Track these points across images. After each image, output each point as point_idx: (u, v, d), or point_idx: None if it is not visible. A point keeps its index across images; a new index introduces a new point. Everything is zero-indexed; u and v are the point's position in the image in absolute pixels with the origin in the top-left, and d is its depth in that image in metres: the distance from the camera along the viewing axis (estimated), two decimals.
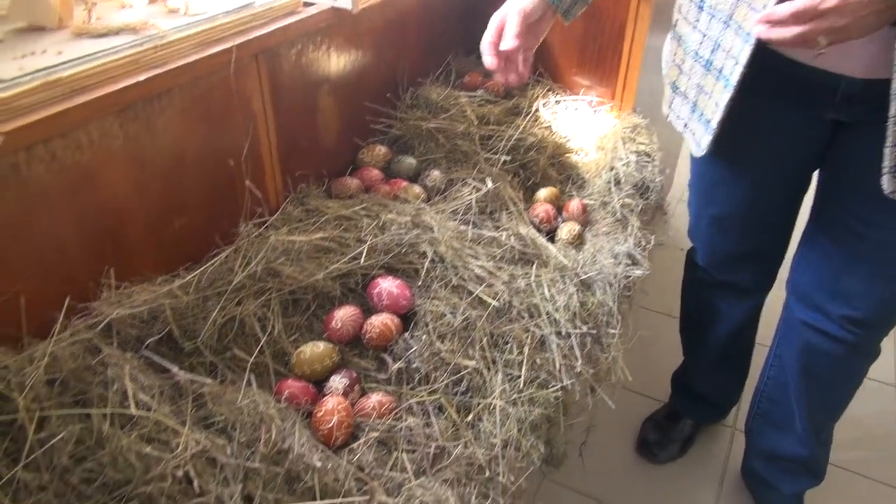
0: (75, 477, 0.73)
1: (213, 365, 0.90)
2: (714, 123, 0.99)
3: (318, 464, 0.81)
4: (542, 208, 1.32)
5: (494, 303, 1.02)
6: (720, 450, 1.66)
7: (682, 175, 1.88)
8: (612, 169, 1.43)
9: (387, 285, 1.04)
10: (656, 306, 1.98)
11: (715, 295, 1.38)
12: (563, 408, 1.05)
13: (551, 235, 1.30)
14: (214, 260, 0.95)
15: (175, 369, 0.81)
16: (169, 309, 0.86)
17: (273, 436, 0.81)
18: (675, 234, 1.98)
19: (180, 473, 0.76)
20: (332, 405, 0.89)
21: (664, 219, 1.52)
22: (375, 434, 0.89)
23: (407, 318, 1.06)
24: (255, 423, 0.82)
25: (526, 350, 1.02)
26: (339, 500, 0.78)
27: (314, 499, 0.79)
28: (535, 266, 1.15)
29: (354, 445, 0.88)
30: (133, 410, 0.75)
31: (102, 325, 0.80)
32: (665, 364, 1.68)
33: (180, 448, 0.77)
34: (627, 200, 1.37)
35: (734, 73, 0.93)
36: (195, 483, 0.76)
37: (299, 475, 0.80)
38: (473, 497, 0.85)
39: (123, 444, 0.75)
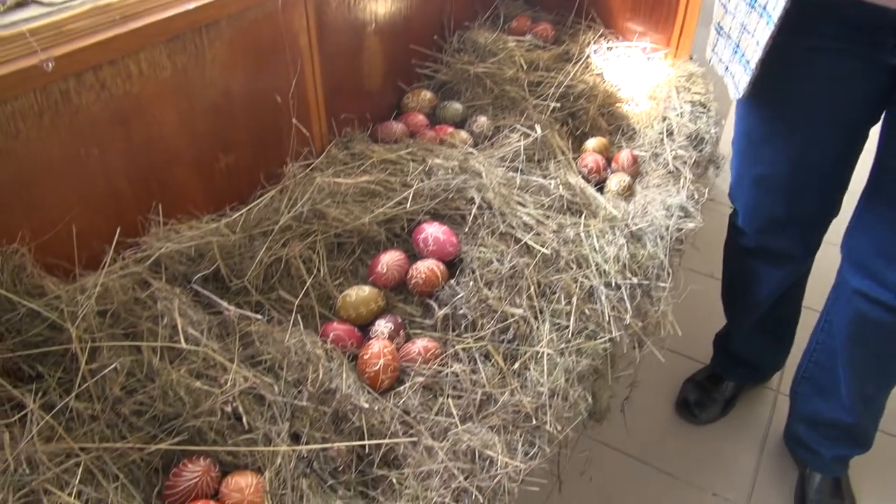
0: (126, 408, 0.73)
1: (259, 305, 0.90)
2: (753, 64, 0.93)
3: (366, 405, 0.81)
4: (591, 158, 1.27)
5: (544, 250, 0.99)
6: (762, 413, 1.63)
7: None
8: (664, 119, 1.37)
9: (433, 231, 1.02)
10: (702, 266, 1.92)
11: (754, 261, 1.32)
12: (611, 360, 1.03)
13: (600, 186, 1.26)
14: (261, 199, 0.93)
15: (224, 304, 0.81)
16: (216, 247, 0.85)
17: (320, 375, 0.80)
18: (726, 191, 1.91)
19: (229, 409, 0.76)
20: (378, 349, 0.88)
21: (716, 172, 1.45)
22: (421, 379, 0.88)
23: (452, 264, 1.03)
24: (303, 363, 0.81)
25: (574, 300, 0.99)
26: (387, 440, 0.78)
27: (361, 439, 0.79)
28: (583, 216, 1.12)
29: (400, 389, 0.87)
30: (183, 344, 0.75)
31: (151, 259, 0.79)
32: (708, 325, 1.64)
33: (229, 384, 0.77)
34: (680, 152, 1.31)
35: (777, 7, 0.87)
36: (244, 419, 0.76)
37: (346, 415, 0.79)
38: (520, 444, 0.84)
39: (173, 377, 0.75)
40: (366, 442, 0.77)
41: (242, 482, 0.74)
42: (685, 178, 1.27)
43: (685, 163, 1.30)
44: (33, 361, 0.72)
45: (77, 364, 0.73)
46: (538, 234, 1.04)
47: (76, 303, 0.71)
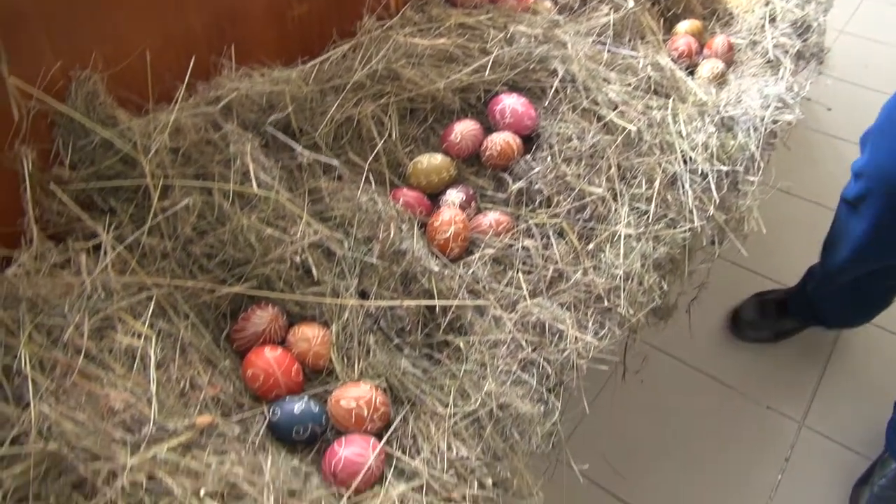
0: (197, 248, 0.72)
1: (329, 164, 0.86)
2: None
3: (436, 268, 0.78)
4: (682, 41, 1.17)
5: (631, 126, 0.92)
6: (828, 334, 1.56)
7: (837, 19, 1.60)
8: (767, 4, 1.24)
9: (511, 102, 0.96)
10: (796, 189, 1.81)
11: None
12: (688, 252, 0.97)
13: (690, 72, 1.16)
14: (334, 52, 0.88)
15: (299, 148, 0.78)
16: (288, 96, 0.81)
17: (391, 234, 0.77)
18: (826, 91, 1.77)
19: (298, 259, 0.75)
20: (449, 216, 0.85)
21: (819, 68, 1.33)
22: (491, 251, 0.85)
23: (529, 139, 0.98)
24: (373, 221, 0.78)
25: (656, 185, 0.93)
26: (458, 301, 0.75)
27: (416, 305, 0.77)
28: (672, 100, 1.03)
29: (469, 260, 0.84)
30: (255, 189, 0.72)
31: (223, 102, 0.76)
32: (791, 250, 1.54)
33: (299, 234, 0.75)
34: (782, 40, 1.19)
35: None
36: (313, 271, 0.75)
37: (415, 277, 0.77)
38: (590, 323, 0.81)
39: (244, 223, 0.73)
40: (435, 302, 0.74)
41: (310, 332, 0.74)
42: (785, 68, 1.16)
43: (787, 52, 1.19)
44: (106, 195, 0.71)
45: (149, 201, 0.71)
46: (622, 113, 0.97)
47: (149, 136, 0.69)
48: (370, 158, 0.88)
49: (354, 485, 0.62)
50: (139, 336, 0.64)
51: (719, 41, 1.19)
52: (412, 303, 0.74)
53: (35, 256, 0.63)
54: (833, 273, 1.30)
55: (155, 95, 0.73)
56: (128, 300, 0.66)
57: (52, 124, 0.68)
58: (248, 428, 0.66)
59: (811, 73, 1.24)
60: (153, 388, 0.61)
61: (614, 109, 0.97)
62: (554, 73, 0.98)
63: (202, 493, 0.55)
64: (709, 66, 1.14)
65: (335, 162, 0.78)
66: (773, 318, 1.51)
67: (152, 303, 0.68)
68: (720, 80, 1.14)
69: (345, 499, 0.60)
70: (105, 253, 0.67)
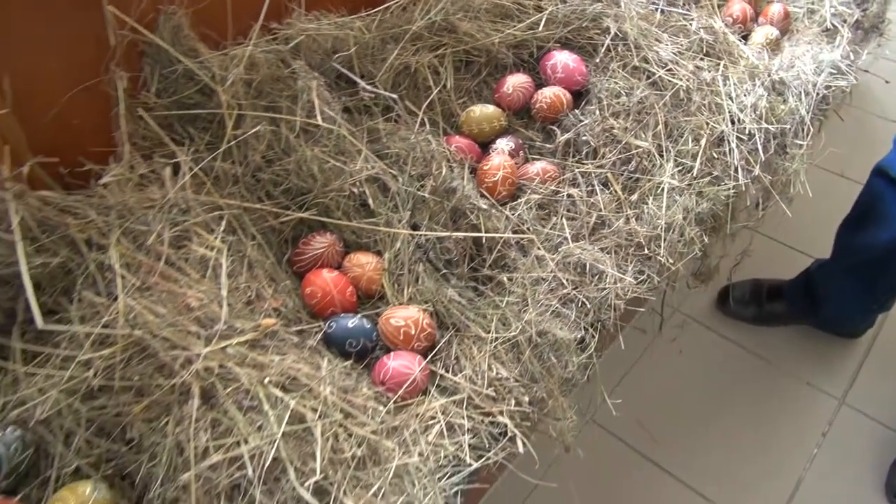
0: (266, 175, 0.78)
1: (387, 108, 0.91)
2: None
3: (484, 206, 0.82)
4: (737, 7, 1.17)
5: (680, 83, 0.94)
6: (866, 335, 1.53)
7: None
8: None
9: (563, 58, 0.99)
10: (847, 170, 1.78)
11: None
12: (731, 211, 0.99)
13: (744, 38, 1.17)
14: (396, 2, 0.93)
15: (362, 83, 0.83)
16: (352, 41, 0.87)
17: (443, 172, 0.82)
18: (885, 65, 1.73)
19: (356, 191, 0.80)
20: (498, 162, 0.89)
21: (878, 41, 1.31)
22: (537, 197, 0.89)
23: (579, 95, 1.01)
24: (427, 160, 0.83)
25: (703, 143, 0.95)
26: (504, 234, 0.80)
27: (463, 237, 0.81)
28: (723, 63, 1.05)
29: (515, 204, 0.88)
30: (319, 122, 0.78)
31: (293, 43, 0.82)
32: (822, 223, 1.51)
33: (358, 167, 0.80)
34: (841, 8, 1.19)
35: None
36: (370, 202, 0.80)
37: (465, 213, 0.81)
38: (630, 268, 0.84)
39: (307, 154, 0.79)
40: (483, 234, 0.79)
41: (364, 259, 0.79)
42: (843, 37, 1.16)
43: (845, 21, 1.18)
44: (185, 123, 0.78)
45: (223, 130, 0.77)
46: (672, 71, 0.99)
47: (226, 69, 0.75)
48: (424, 105, 0.92)
49: (401, 391, 0.67)
50: (212, 248, 0.71)
51: (776, 8, 1.19)
52: (461, 235, 0.79)
53: (125, 170, 0.70)
54: (856, 251, 1.29)
55: (232, 33, 0.79)
56: (202, 217, 0.73)
57: (141, 54, 0.74)
58: (305, 339, 0.71)
59: (870, 43, 1.23)
60: (224, 292, 0.67)
61: (664, 68, 0.99)
62: (606, 31, 1.01)
63: (266, 381, 0.61)
64: (763, 33, 1.15)
65: (393, 96, 0.83)
66: (762, 299, 1.52)
67: (223, 221, 0.74)
68: (774, 48, 1.14)
69: (392, 401, 0.66)
70: (184, 174, 0.73)
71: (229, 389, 0.60)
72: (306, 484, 0.56)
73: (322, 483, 0.58)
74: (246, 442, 0.57)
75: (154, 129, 0.74)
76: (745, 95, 1.01)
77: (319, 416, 0.60)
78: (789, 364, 1.50)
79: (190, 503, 0.56)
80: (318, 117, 0.78)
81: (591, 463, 1.27)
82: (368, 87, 0.83)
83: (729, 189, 0.94)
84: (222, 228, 0.73)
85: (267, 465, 0.56)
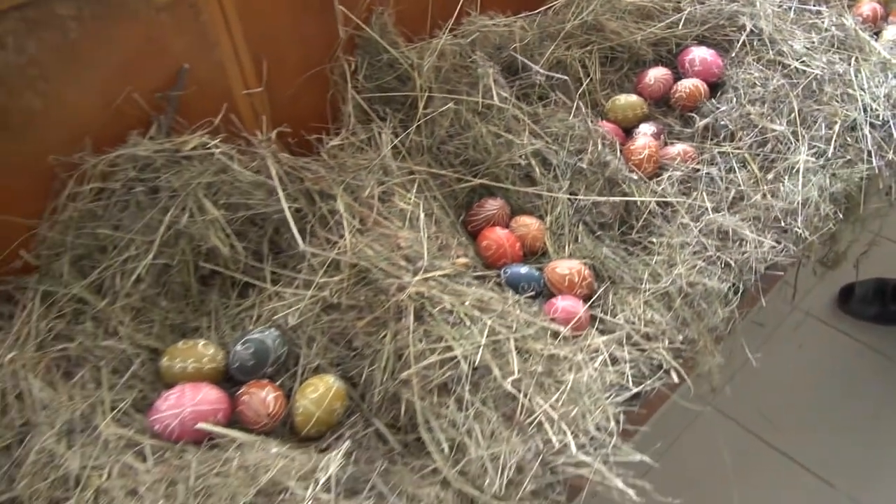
0: (448, 147, 0.93)
1: (544, 95, 1.04)
2: None
3: (634, 176, 0.93)
4: (867, 6, 1.23)
5: (815, 71, 1.02)
6: None
7: None
8: None
9: (700, 52, 1.09)
10: None
11: None
12: (864, 195, 1.05)
13: (875, 34, 1.22)
14: (553, 4, 1.06)
15: (536, 67, 0.96)
16: (517, 37, 1.00)
17: (599, 148, 0.94)
18: None
19: (522, 163, 0.93)
20: (643, 142, 1.00)
21: None
22: (679, 174, 0.99)
23: (714, 88, 1.10)
24: (584, 137, 0.95)
25: (836, 128, 1.02)
26: (655, 197, 0.90)
27: (627, 203, 0.92)
28: (854, 57, 1.11)
29: (658, 179, 0.99)
30: (496, 101, 0.92)
31: (471, 38, 0.96)
32: None
33: (525, 142, 0.93)
34: None
35: None
36: (536, 171, 0.93)
37: (617, 182, 0.93)
38: (768, 237, 0.92)
39: (483, 131, 0.93)
40: (636, 198, 0.90)
41: (528, 220, 0.92)
42: None
43: None
44: (383, 104, 0.94)
45: (413, 111, 0.93)
46: (805, 63, 1.07)
47: (422, 58, 0.90)
48: (578, 93, 1.04)
49: (571, 325, 0.79)
50: (409, 203, 0.85)
51: None
52: (616, 199, 0.90)
53: (348, 136, 0.86)
54: None
55: (425, 31, 0.94)
56: (400, 179, 0.88)
57: (354, 46, 0.91)
58: (484, 283, 0.84)
59: None
60: (424, 237, 0.81)
61: (798, 60, 1.07)
62: (742, 28, 1.10)
63: (466, 303, 0.74)
64: (894, 31, 1.20)
65: (563, 77, 0.96)
66: (886, 298, 1.55)
67: (415, 184, 0.89)
68: None
69: (566, 329, 0.77)
70: (386, 143, 0.88)
71: (436, 309, 0.74)
72: (506, 381, 0.68)
73: (514, 387, 0.70)
74: (454, 348, 0.70)
75: (364, 107, 0.90)
76: (876, 87, 1.07)
77: (512, 332, 0.72)
78: None
79: (412, 394, 0.69)
80: (495, 98, 0.91)
81: (711, 446, 1.34)
82: (542, 71, 0.96)
83: (863, 171, 1.00)
84: (415, 189, 0.88)
85: (475, 366, 0.69)
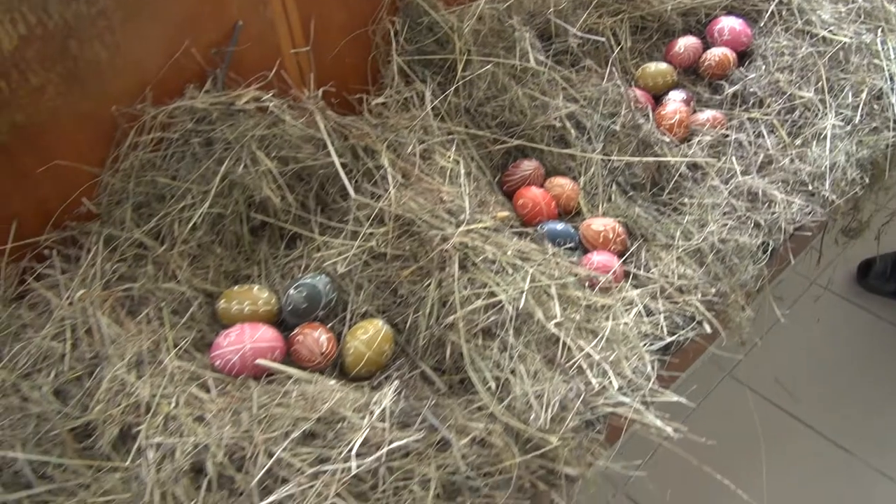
0: (486, 109, 0.95)
1: (576, 61, 1.06)
2: None
3: (666, 139, 0.96)
4: None
5: (844, 39, 1.04)
6: None
7: None
8: None
9: (729, 22, 1.11)
10: None
11: None
12: (890, 161, 1.07)
13: None
14: None
15: (573, 30, 0.99)
16: (551, 4, 1.03)
17: (632, 111, 0.96)
18: None
19: (558, 125, 0.96)
20: (674, 108, 1.02)
21: None
22: (708, 138, 1.01)
23: (742, 56, 1.12)
24: (616, 101, 0.97)
25: (863, 96, 1.04)
26: (686, 158, 0.93)
27: (659, 165, 0.95)
28: (881, 29, 1.13)
29: (689, 143, 1.01)
30: (532, 64, 0.94)
31: (507, 3, 0.99)
32: None
33: (560, 105, 0.96)
34: None
35: None
36: (570, 133, 0.95)
37: (649, 144, 0.95)
38: (797, 199, 0.94)
39: (519, 93, 0.95)
40: (668, 159, 0.92)
41: (563, 181, 0.94)
42: None
43: None
44: (422, 67, 0.96)
45: (451, 73, 0.95)
46: (833, 33, 1.09)
47: (461, 21, 0.93)
48: (611, 59, 1.07)
49: (607, 277, 0.81)
50: (450, 161, 0.88)
51: None
52: (649, 159, 0.92)
53: (392, 93, 0.89)
54: None
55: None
56: (440, 138, 0.90)
57: (396, 8, 0.94)
58: (522, 237, 0.87)
59: None
60: (465, 191, 0.84)
61: (826, 29, 1.09)
62: None
63: (508, 253, 0.77)
64: None
65: (601, 38, 0.98)
66: None
67: (454, 144, 0.91)
68: None
69: (602, 281, 0.80)
70: (426, 104, 0.91)
71: (479, 259, 0.77)
72: (549, 324, 0.71)
73: (555, 332, 0.73)
74: (498, 294, 0.73)
75: (405, 69, 0.93)
76: None
77: (554, 279, 0.75)
78: None
79: (458, 336, 0.72)
80: (532, 61, 0.94)
81: (728, 416, 1.37)
82: (578, 33, 0.98)
83: (888, 139, 1.02)
84: (454, 149, 0.90)
85: (518, 310, 0.72)
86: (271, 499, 0.57)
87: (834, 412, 1.42)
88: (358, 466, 0.59)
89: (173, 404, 0.63)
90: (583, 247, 0.89)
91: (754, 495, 0.79)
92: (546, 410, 0.67)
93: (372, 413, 0.64)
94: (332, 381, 0.67)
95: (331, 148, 0.79)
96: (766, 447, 1.39)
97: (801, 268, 1.18)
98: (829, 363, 1.51)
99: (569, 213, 0.94)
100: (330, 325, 0.77)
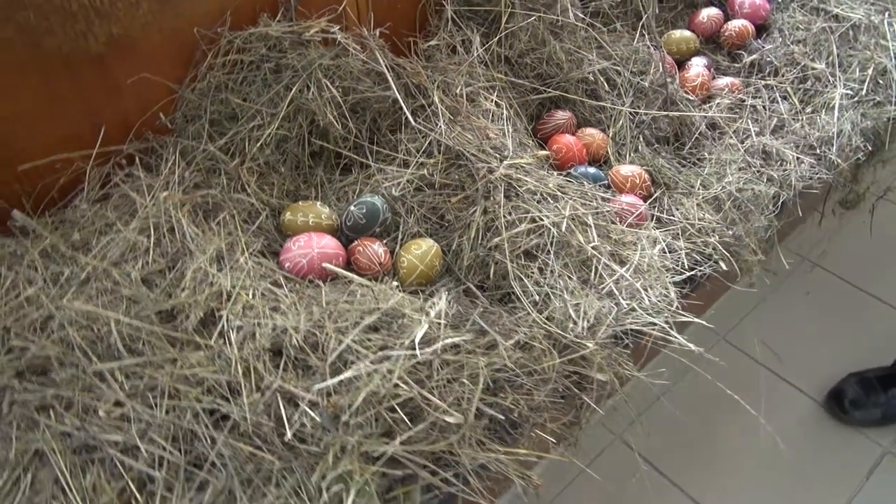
0: (526, 60, 1.02)
1: (608, 23, 1.13)
2: None
3: (693, 98, 1.03)
4: None
5: (856, 17, 1.12)
6: None
7: None
8: None
9: None
10: None
11: None
12: (890, 134, 1.15)
13: None
14: None
15: None
16: None
17: (660, 69, 1.03)
18: None
19: (591, 78, 1.03)
20: (697, 71, 1.10)
21: None
22: (727, 102, 1.09)
23: (760, 29, 1.20)
24: (646, 60, 1.05)
25: (869, 72, 1.12)
26: (708, 114, 1.00)
27: (682, 120, 1.02)
28: (888, 11, 1.21)
29: (709, 105, 1.09)
30: (572, 19, 1.01)
31: None
32: None
33: (595, 60, 1.03)
34: None
35: None
36: (603, 87, 1.03)
37: (675, 101, 1.03)
38: (807, 160, 1.02)
39: (557, 47, 1.02)
40: (693, 113, 1.00)
41: (593, 131, 1.02)
42: None
43: None
44: (467, 19, 1.03)
45: (495, 25, 1.02)
46: (845, 11, 1.17)
47: None
48: (641, 24, 1.14)
49: (635, 215, 0.89)
50: (493, 104, 0.95)
51: None
52: (674, 114, 1.00)
53: (445, 37, 0.96)
54: None
55: None
56: (484, 83, 0.97)
57: None
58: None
59: None
60: (508, 130, 0.91)
61: (839, 7, 1.17)
62: None
63: (550, 185, 0.84)
64: None
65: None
66: (879, 393, 1.41)
67: (496, 90, 0.98)
68: None
69: (631, 217, 0.87)
70: (472, 51, 0.98)
71: (522, 189, 0.84)
72: (588, 246, 0.79)
73: (593, 253, 0.80)
74: (541, 219, 0.81)
75: (454, 18, 0.99)
76: None
77: (592, 209, 0.82)
78: None
79: (503, 256, 0.79)
80: (571, 16, 1.01)
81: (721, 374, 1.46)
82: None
83: (890, 112, 1.11)
84: (495, 95, 0.97)
85: (560, 232, 0.79)
86: (342, 375, 0.64)
87: (819, 374, 1.52)
88: (420, 355, 0.66)
89: (251, 295, 0.70)
90: (611, 191, 0.96)
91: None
92: (582, 320, 0.75)
93: (428, 313, 0.71)
94: (393, 285, 0.74)
95: (391, 81, 0.86)
96: (757, 402, 1.49)
97: (808, 230, 1.27)
98: (816, 331, 1.61)
99: (597, 161, 1.02)
100: (385, 241, 0.83)
